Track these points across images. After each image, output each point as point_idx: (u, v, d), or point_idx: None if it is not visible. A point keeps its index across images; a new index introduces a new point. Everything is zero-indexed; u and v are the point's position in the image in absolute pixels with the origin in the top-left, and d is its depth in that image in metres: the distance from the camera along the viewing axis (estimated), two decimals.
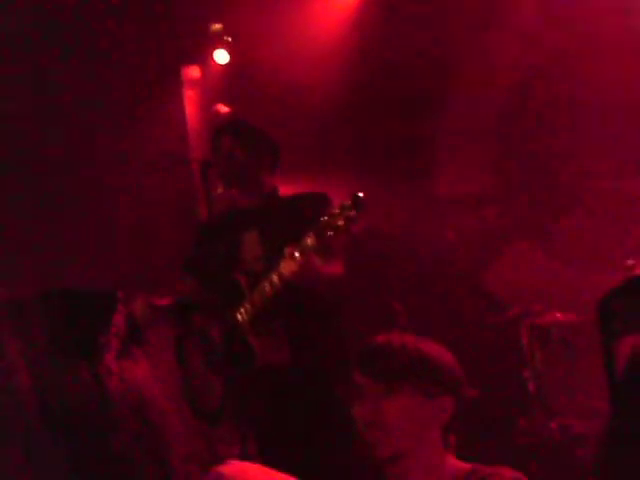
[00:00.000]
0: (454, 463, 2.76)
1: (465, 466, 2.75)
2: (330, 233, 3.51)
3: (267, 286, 3.80)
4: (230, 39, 7.59)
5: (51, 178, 6.58)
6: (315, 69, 7.21)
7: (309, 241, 3.60)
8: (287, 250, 3.71)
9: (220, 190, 4.27)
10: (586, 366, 5.61)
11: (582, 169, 6.98)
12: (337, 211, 3.50)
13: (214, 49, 7.63)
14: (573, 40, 6.78)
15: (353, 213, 3.46)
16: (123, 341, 3.63)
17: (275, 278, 3.75)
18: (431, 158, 7.56)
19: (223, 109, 7.55)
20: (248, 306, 3.89)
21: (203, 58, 7.79)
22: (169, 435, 3.89)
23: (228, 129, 4.30)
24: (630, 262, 5.44)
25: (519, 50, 7.16)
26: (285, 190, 4.44)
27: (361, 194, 3.47)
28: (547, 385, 5.76)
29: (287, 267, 3.71)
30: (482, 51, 7.29)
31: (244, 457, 3.97)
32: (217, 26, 7.56)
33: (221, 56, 7.64)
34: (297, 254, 3.65)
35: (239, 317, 3.92)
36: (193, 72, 7.88)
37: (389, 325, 6.04)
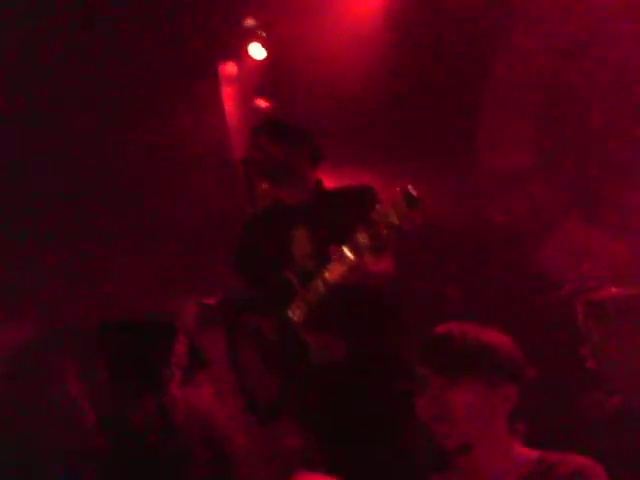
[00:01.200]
0: (522, 451, 2.75)
1: (533, 453, 2.74)
2: (383, 230, 3.45)
3: (320, 284, 3.77)
4: (264, 34, 7.58)
5: (90, 184, 6.64)
6: (351, 60, 7.18)
7: (361, 239, 3.54)
8: (334, 250, 3.67)
9: (265, 186, 4.26)
10: None
11: (632, 140, 6.88)
12: (390, 208, 3.44)
13: (249, 44, 7.62)
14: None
15: (407, 211, 3.39)
16: (185, 369, 3.63)
17: (327, 277, 3.72)
18: (475, 135, 7.50)
19: (263, 104, 7.55)
20: (302, 304, 3.88)
21: (239, 54, 7.79)
22: (237, 458, 3.89)
23: (264, 127, 4.30)
24: None
25: (562, 19, 7.09)
26: (329, 183, 4.42)
27: (413, 190, 3.40)
28: (606, 361, 5.69)
29: (336, 269, 3.67)
30: (526, 25, 7.22)
31: (306, 451, 3.97)
32: (251, 21, 7.55)
33: (257, 51, 7.64)
34: (348, 253, 3.61)
35: (293, 315, 3.91)
36: (229, 68, 7.88)
37: (443, 312, 6.00)
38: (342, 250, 3.64)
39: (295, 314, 3.89)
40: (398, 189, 3.42)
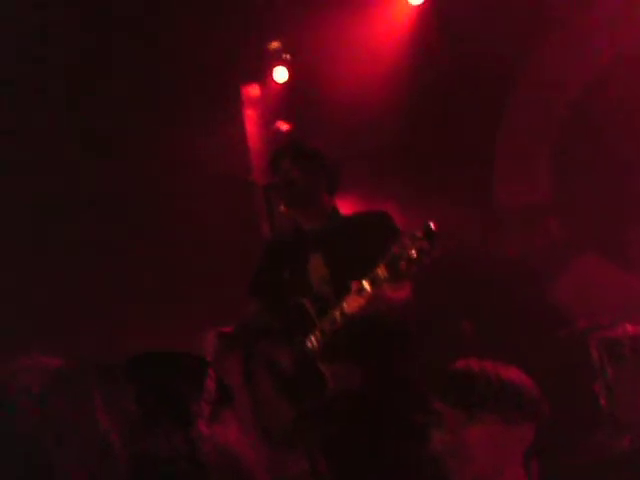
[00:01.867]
0: None
1: None
2: (402, 265, 3.45)
3: (338, 316, 3.77)
4: (289, 57, 7.61)
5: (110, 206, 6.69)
6: (373, 85, 7.20)
7: (380, 272, 3.55)
8: (353, 284, 3.67)
9: (283, 208, 4.26)
10: None
11: None
12: (409, 242, 3.44)
13: (273, 67, 7.66)
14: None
15: (426, 245, 3.39)
16: (214, 406, 3.60)
17: (345, 309, 3.72)
18: (492, 169, 7.51)
19: (284, 126, 7.56)
20: (318, 333, 3.87)
21: (262, 76, 7.82)
22: None
23: (286, 152, 4.30)
24: None
25: (581, 55, 7.11)
26: (345, 207, 4.42)
27: (433, 225, 3.41)
28: (619, 399, 5.66)
29: (354, 302, 3.67)
30: (544, 56, 7.25)
31: (313, 477, 3.95)
32: (275, 44, 7.59)
33: (280, 74, 7.67)
34: (367, 286, 3.61)
35: (309, 344, 3.90)
36: (253, 91, 7.91)
37: (459, 345, 5.99)
38: (361, 283, 3.64)
39: (312, 344, 3.88)
40: (420, 224, 3.43)
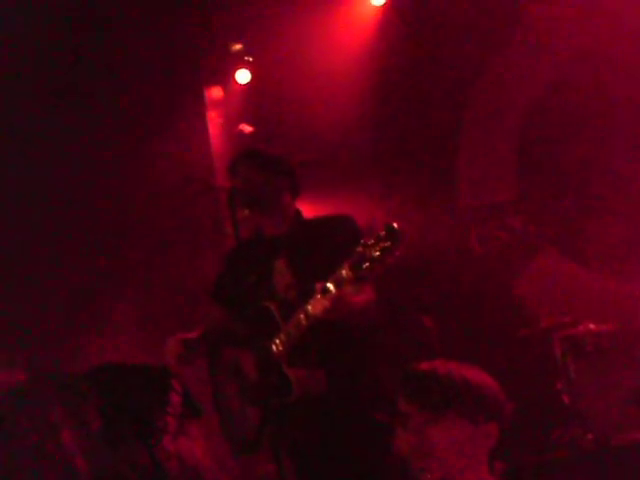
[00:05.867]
0: None
1: None
2: (366, 265, 3.46)
3: (302, 318, 3.77)
4: (251, 59, 7.60)
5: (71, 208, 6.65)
6: (336, 86, 7.21)
7: (344, 273, 3.54)
8: (317, 286, 3.67)
9: (246, 214, 4.25)
10: (620, 376, 5.57)
11: (610, 175, 6.95)
12: (372, 241, 3.45)
13: (236, 69, 7.65)
14: (599, 44, 6.79)
15: (389, 244, 3.40)
16: (179, 420, 3.56)
17: (310, 310, 3.72)
18: (454, 168, 7.55)
19: (247, 129, 7.56)
20: (283, 337, 3.86)
21: (225, 78, 7.81)
22: None
23: (245, 157, 4.29)
24: None
25: (545, 55, 7.17)
26: (309, 211, 4.42)
27: (395, 224, 3.42)
28: (582, 396, 5.71)
29: (318, 305, 3.67)
30: (506, 58, 7.31)
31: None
32: (238, 46, 7.58)
33: (243, 76, 7.66)
34: (331, 287, 3.61)
35: (274, 348, 3.89)
36: (215, 93, 7.89)
37: (420, 343, 6.02)
38: (325, 285, 3.64)
39: (277, 348, 3.87)
40: (382, 224, 3.44)
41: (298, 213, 4.31)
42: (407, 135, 7.35)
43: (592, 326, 5.81)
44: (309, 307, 3.70)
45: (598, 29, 6.84)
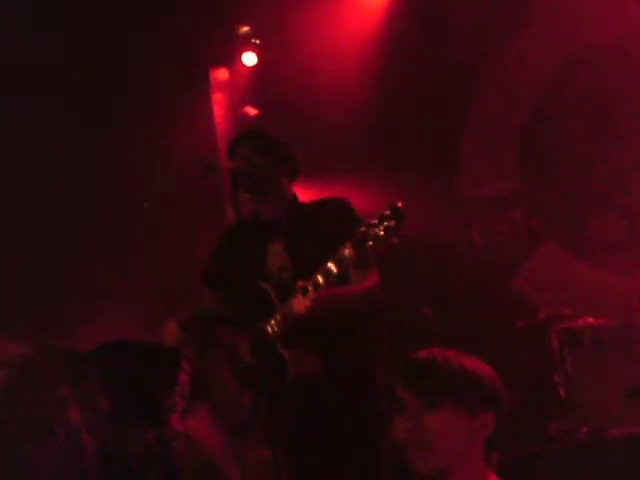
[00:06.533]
0: None
1: None
2: (370, 244, 3.46)
3: (311, 290, 3.75)
4: (258, 41, 7.59)
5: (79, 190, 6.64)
6: (342, 72, 7.20)
7: (347, 252, 3.55)
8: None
9: (245, 196, 4.25)
10: (617, 370, 5.58)
11: (614, 170, 6.95)
12: (376, 221, 3.45)
13: (242, 51, 7.64)
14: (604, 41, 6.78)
15: (393, 223, 3.40)
16: (188, 400, 3.54)
17: (294, 309, 3.73)
18: (458, 159, 7.54)
19: (251, 111, 7.55)
20: (279, 317, 3.86)
21: (231, 60, 7.79)
22: None
23: (245, 137, 4.29)
24: None
25: (549, 49, 7.16)
26: (307, 195, 4.41)
27: (400, 204, 3.43)
28: (578, 389, 5.71)
29: (299, 304, 3.69)
30: (512, 51, 7.29)
31: (274, 463, 3.95)
32: (245, 28, 7.56)
33: (249, 58, 7.65)
34: (333, 268, 3.62)
35: (269, 329, 3.89)
36: (221, 74, 7.88)
37: (419, 332, 6.02)
38: (327, 265, 3.64)
39: (272, 329, 3.87)
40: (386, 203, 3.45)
41: (295, 197, 4.31)
42: (412, 124, 7.33)
43: (591, 320, 5.80)
44: (309, 287, 3.70)
45: (603, 26, 6.84)
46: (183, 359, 3.58)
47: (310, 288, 3.65)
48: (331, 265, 3.64)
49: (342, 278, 3.81)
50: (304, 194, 4.41)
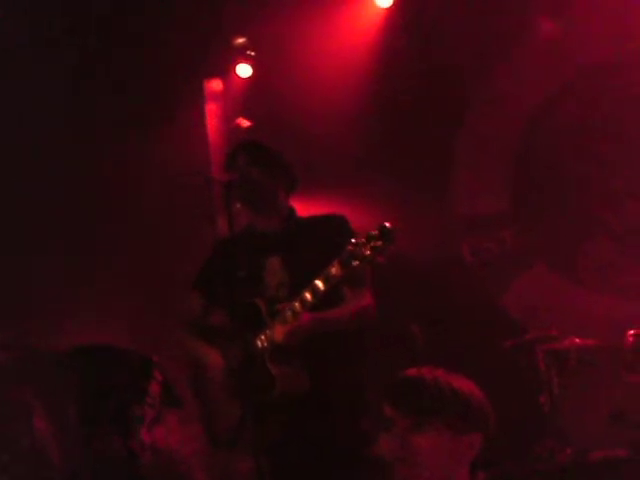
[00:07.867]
0: None
1: None
2: (355, 263, 3.47)
3: (289, 316, 3.77)
4: (253, 53, 7.59)
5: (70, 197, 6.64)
6: (337, 84, 7.21)
7: (333, 270, 3.56)
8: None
9: (238, 206, 4.23)
10: (602, 392, 5.59)
11: (604, 192, 6.97)
12: (363, 240, 3.46)
13: (237, 63, 7.64)
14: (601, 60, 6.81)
15: (380, 244, 3.42)
16: (158, 410, 3.51)
17: (297, 308, 3.73)
18: (450, 178, 7.55)
19: (244, 123, 7.54)
20: (269, 333, 3.85)
21: (226, 71, 7.80)
22: None
23: (243, 148, 4.27)
24: None
25: (546, 67, 7.19)
26: (304, 209, 4.39)
27: (388, 224, 3.44)
28: (563, 410, 5.72)
29: (278, 332, 3.72)
30: (507, 68, 7.32)
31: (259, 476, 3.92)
32: (240, 40, 7.56)
33: (244, 70, 7.65)
34: (320, 285, 3.63)
35: (259, 344, 3.88)
36: (215, 85, 7.88)
37: (406, 348, 6.02)
38: (314, 282, 3.65)
39: (262, 344, 3.86)
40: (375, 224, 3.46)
41: (292, 211, 4.29)
42: (405, 139, 7.34)
43: (577, 340, 5.82)
44: (296, 305, 3.71)
45: (601, 44, 6.87)
46: (156, 368, 3.54)
47: (289, 314, 3.68)
48: (318, 282, 3.65)
49: (335, 296, 3.81)
50: (299, 209, 4.39)
